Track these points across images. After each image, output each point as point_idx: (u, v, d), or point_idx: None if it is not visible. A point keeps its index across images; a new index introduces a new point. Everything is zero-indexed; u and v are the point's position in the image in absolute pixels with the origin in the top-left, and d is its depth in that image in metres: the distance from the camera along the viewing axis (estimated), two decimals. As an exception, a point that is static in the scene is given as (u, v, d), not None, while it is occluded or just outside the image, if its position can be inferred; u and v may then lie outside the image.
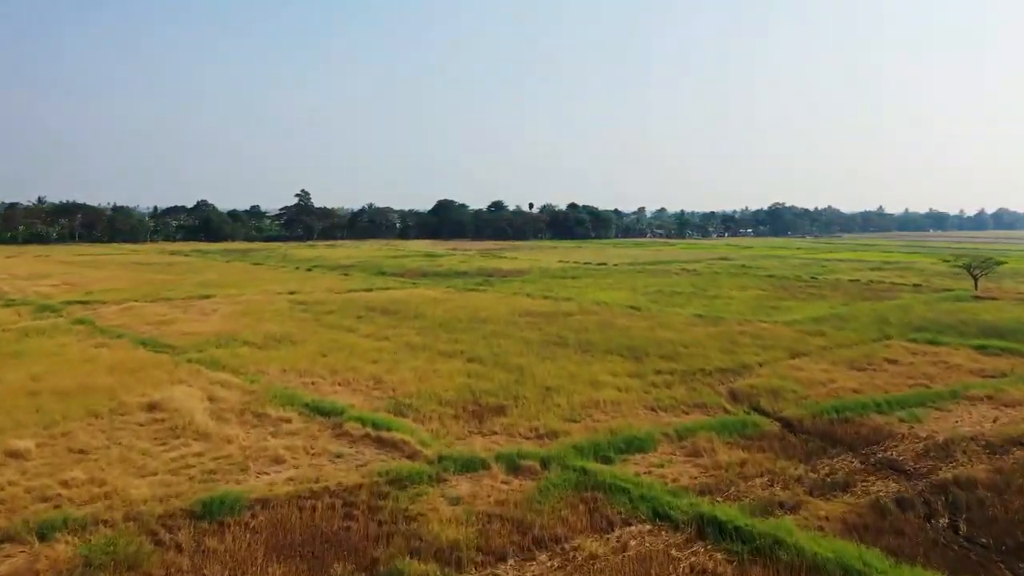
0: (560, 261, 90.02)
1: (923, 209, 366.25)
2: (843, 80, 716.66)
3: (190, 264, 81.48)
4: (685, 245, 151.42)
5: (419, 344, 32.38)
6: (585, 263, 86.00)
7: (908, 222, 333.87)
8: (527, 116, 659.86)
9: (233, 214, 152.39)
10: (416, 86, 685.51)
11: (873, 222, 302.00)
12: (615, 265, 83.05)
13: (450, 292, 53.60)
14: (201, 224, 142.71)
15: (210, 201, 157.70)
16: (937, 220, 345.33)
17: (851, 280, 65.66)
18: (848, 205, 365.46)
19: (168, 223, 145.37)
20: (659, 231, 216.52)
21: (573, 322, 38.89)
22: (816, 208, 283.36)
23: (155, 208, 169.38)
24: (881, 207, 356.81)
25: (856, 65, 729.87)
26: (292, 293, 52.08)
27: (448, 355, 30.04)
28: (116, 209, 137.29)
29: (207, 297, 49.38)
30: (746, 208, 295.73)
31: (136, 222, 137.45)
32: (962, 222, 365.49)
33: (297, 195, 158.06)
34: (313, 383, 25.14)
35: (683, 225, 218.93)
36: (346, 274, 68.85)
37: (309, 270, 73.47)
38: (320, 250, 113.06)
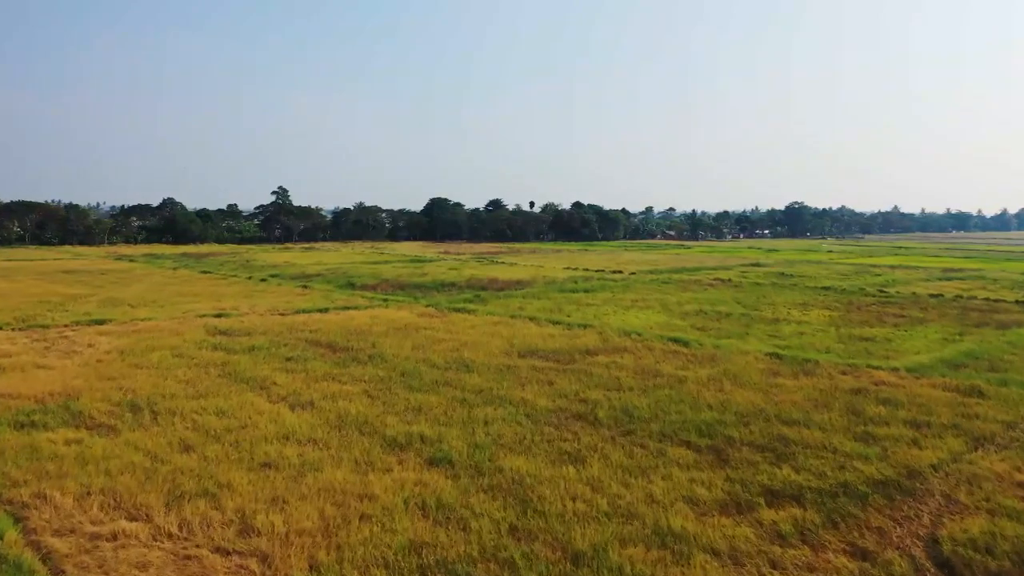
0: (567, 268, 78.05)
1: (939, 209, 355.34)
2: (855, 79, 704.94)
3: (126, 272, 69.47)
4: (703, 248, 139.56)
5: (358, 418, 20.39)
6: (597, 271, 74.02)
7: (930, 222, 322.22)
8: (526, 112, 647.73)
9: (203, 214, 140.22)
10: (411, 81, 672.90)
11: (894, 222, 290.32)
12: (633, 274, 71.07)
13: (428, 315, 41.60)
14: (166, 224, 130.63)
15: (192, 200, 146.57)
16: (959, 220, 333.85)
17: (932, 296, 53.65)
18: (861, 204, 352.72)
19: (130, 223, 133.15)
20: (670, 232, 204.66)
21: (599, 370, 26.89)
22: (830, 208, 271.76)
23: (123, 207, 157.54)
24: (896, 207, 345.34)
25: (868, 64, 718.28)
26: (219, 315, 40.12)
27: (399, 447, 18.06)
28: (69, 208, 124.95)
29: (102, 322, 37.39)
30: (756, 208, 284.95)
31: (92, 222, 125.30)
32: (985, 222, 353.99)
33: (274, 192, 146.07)
34: (116, 537, 13.08)
35: (696, 226, 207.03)
36: (306, 286, 56.84)
37: (264, 280, 61.48)
38: (292, 254, 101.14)
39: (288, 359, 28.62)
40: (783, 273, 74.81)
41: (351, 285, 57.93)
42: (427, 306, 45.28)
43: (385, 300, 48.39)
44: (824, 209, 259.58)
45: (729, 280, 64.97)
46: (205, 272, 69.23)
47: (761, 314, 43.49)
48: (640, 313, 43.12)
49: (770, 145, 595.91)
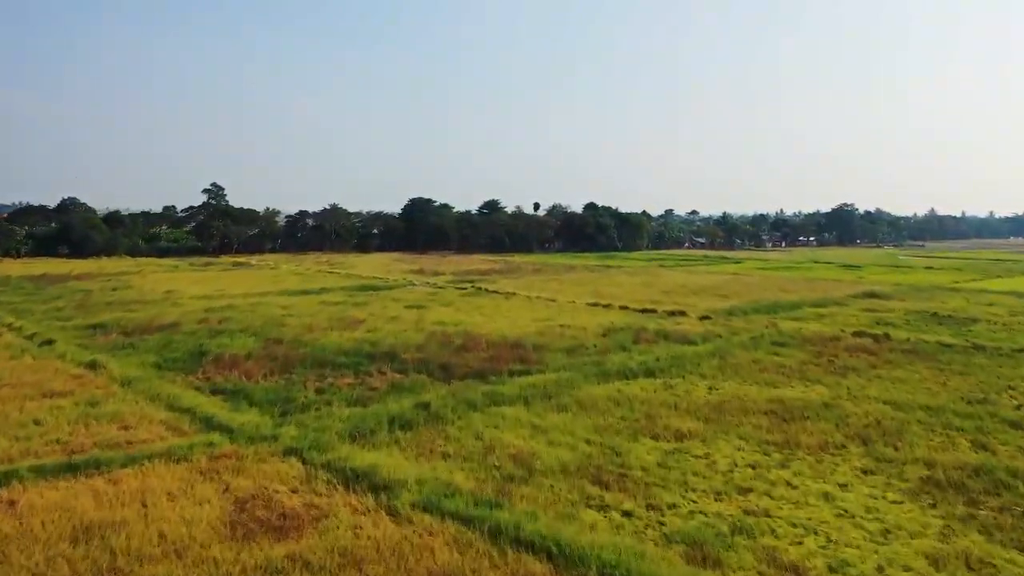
0: (593, 303, 51.82)
1: (980, 212, 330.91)
2: (875, 78, 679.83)
3: None
4: (755, 262, 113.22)
5: None
6: (643, 311, 47.70)
7: (984, 227, 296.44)
8: (527, 108, 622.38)
9: (113, 217, 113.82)
10: (406, 78, 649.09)
11: (950, 227, 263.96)
12: (706, 318, 44.74)
13: (251, 528, 15.17)
14: (60, 232, 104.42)
15: (160, 201, 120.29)
16: (1017, 225, 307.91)
17: None
18: (893, 207, 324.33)
19: (16, 230, 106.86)
20: (699, 240, 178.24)
21: None
22: (868, 211, 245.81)
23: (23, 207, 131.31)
24: (933, 209, 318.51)
25: (899, 60, 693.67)
26: None
27: None
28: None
29: None
30: (781, 210, 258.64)
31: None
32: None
33: (206, 190, 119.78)
34: None
35: (731, 231, 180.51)
36: (93, 365, 30.33)
37: (48, 344, 35.12)
38: (202, 275, 74.88)
39: None
40: (936, 314, 48.84)
41: (200, 356, 31.60)
42: (286, 455, 18.97)
43: (208, 421, 21.95)
44: (868, 212, 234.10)
45: (885, 336, 38.65)
46: (-12, 318, 42.88)
47: None
48: (838, 488, 16.77)
49: (773, 145, 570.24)
